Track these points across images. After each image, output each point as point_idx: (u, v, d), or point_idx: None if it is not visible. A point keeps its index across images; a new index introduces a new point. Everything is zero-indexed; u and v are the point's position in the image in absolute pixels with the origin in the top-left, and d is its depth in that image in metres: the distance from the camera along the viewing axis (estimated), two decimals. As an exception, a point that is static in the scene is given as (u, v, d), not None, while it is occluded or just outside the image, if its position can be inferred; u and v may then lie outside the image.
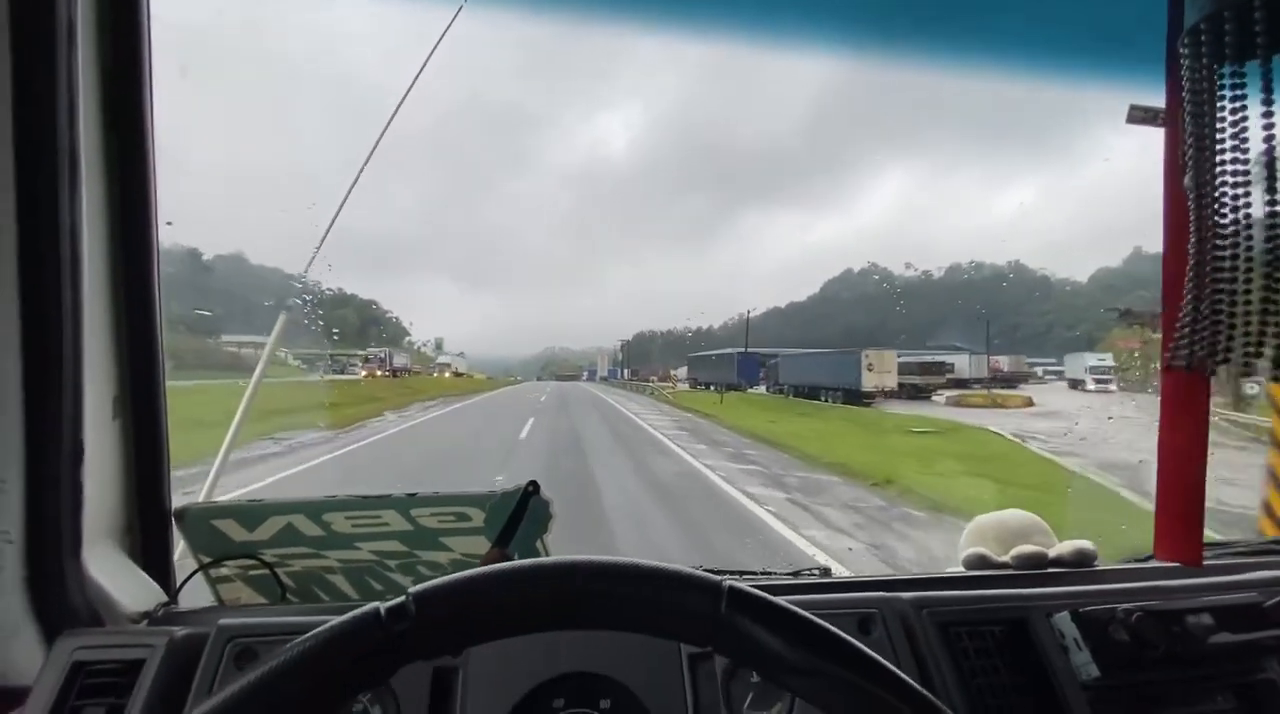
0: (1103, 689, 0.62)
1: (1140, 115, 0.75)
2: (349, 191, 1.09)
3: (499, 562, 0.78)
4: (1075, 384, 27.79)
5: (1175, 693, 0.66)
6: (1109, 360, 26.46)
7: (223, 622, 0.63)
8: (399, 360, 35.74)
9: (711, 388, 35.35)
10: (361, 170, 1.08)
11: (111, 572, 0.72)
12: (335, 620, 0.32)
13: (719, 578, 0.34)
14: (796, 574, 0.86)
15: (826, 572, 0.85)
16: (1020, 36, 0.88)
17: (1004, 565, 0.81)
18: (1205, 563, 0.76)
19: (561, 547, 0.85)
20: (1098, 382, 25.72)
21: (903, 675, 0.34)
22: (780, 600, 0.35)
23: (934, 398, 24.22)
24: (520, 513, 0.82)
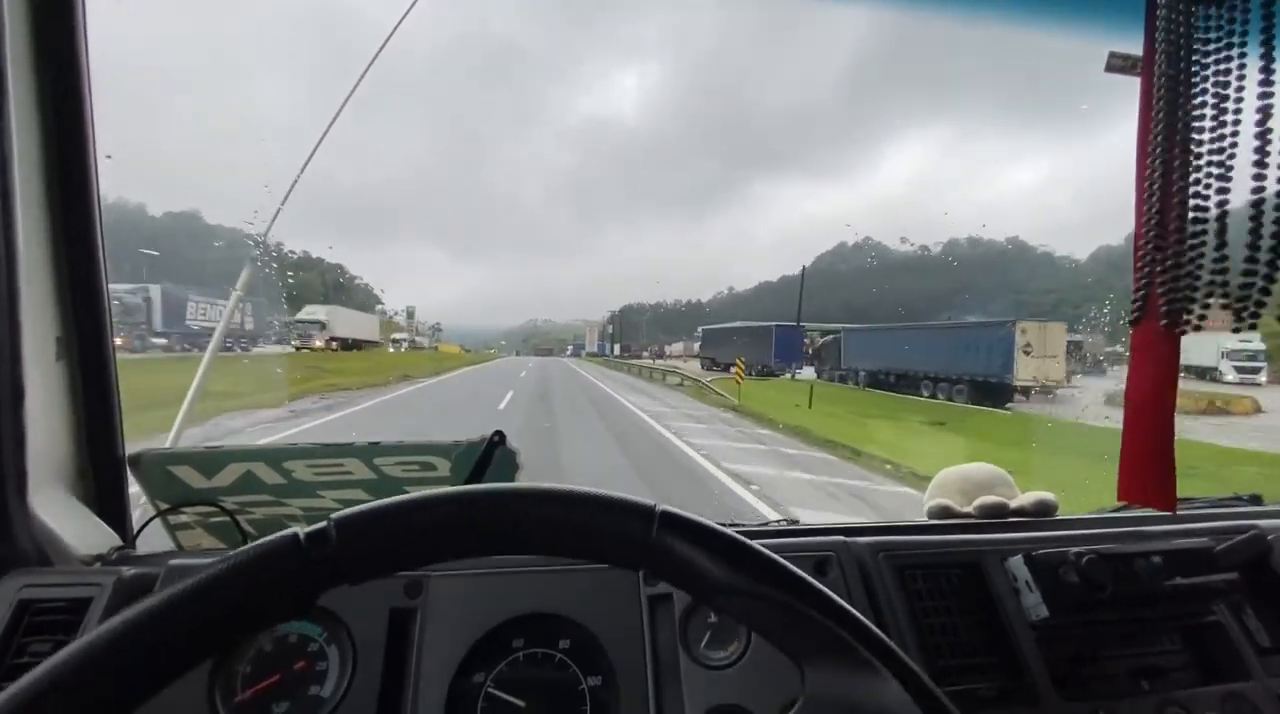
0: (1051, 628, 0.67)
1: (1119, 63, 0.76)
2: (318, 143, 1.08)
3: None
4: (1202, 374, 20.92)
5: (1123, 633, 0.71)
6: (1255, 342, 19.56)
7: (173, 562, 0.65)
8: (342, 330, 30.02)
9: (729, 370, 25.45)
10: (334, 120, 1.07)
11: (62, 515, 0.73)
12: (252, 544, 0.32)
13: (651, 502, 0.35)
14: (764, 524, 0.90)
15: (794, 522, 0.89)
16: None
17: (966, 516, 0.86)
18: (1157, 513, 0.81)
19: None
20: (1242, 372, 19.94)
21: (826, 591, 0.36)
22: (710, 522, 0.36)
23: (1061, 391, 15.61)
24: (486, 462, 0.84)
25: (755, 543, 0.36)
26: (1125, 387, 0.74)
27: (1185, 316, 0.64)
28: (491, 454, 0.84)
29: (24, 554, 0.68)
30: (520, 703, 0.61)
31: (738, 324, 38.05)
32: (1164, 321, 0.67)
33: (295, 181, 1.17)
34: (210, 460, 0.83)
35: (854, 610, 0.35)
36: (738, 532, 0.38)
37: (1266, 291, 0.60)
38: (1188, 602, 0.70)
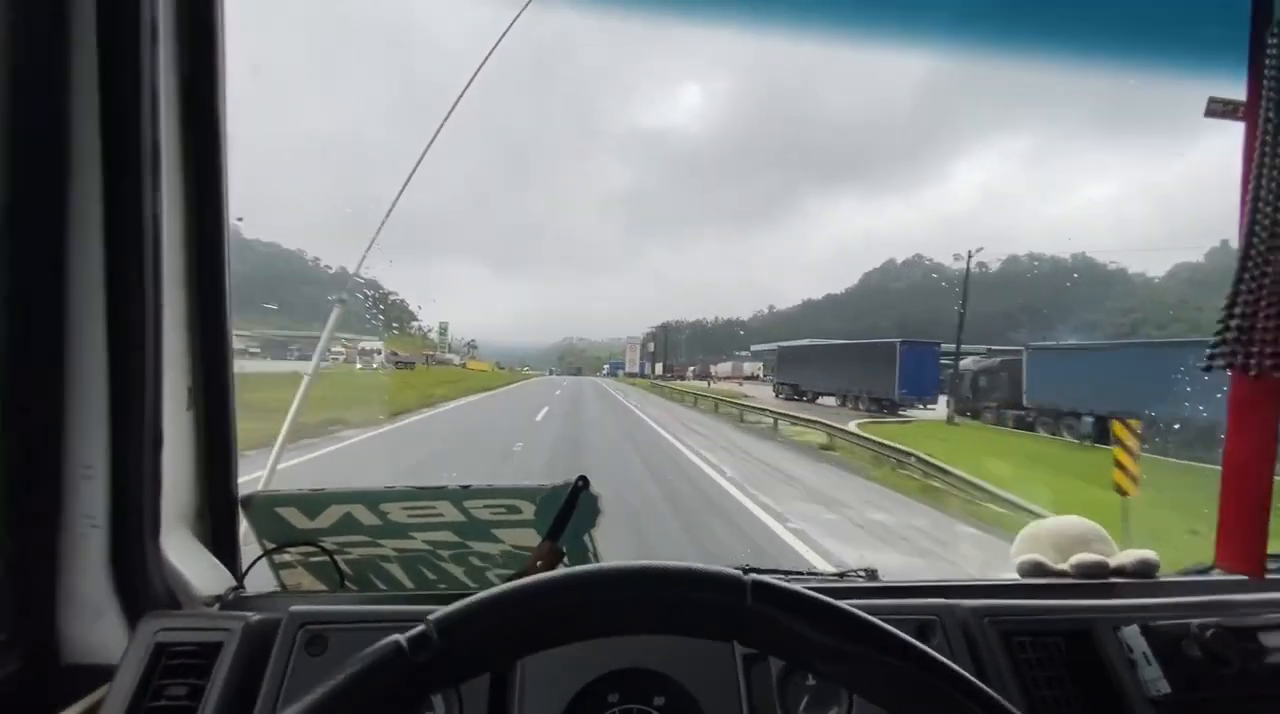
0: (1173, 705, 0.65)
1: (1219, 108, 0.78)
2: (408, 178, 1.18)
3: (550, 555, 0.87)
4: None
5: (1249, 711, 0.69)
6: None
7: (294, 608, 0.70)
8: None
9: (813, 399, 23.83)
10: (422, 156, 1.17)
11: (186, 556, 0.80)
12: (358, 656, 0.34)
13: (740, 572, 0.37)
14: (841, 575, 0.91)
15: (872, 574, 0.90)
16: (1100, 24, 0.92)
17: (1062, 574, 0.85)
18: (1268, 576, 0.79)
19: (608, 538, 0.92)
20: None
21: (934, 654, 0.36)
22: (801, 588, 0.37)
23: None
24: (570, 507, 0.90)
25: (850, 604, 0.37)
26: (1224, 444, 0.74)
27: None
28: (575, 500, 0.90)
29: (156, 596, 0.75)
30: None
31: (837, 342, 29.84)
32: (1267, 374, 0.67)
33: (386, 216, 1.27)
34: (313, 502, 0.91)
35: (966, 673, 0.36)
36: (823, 588, 0.40)
37: None
38: None
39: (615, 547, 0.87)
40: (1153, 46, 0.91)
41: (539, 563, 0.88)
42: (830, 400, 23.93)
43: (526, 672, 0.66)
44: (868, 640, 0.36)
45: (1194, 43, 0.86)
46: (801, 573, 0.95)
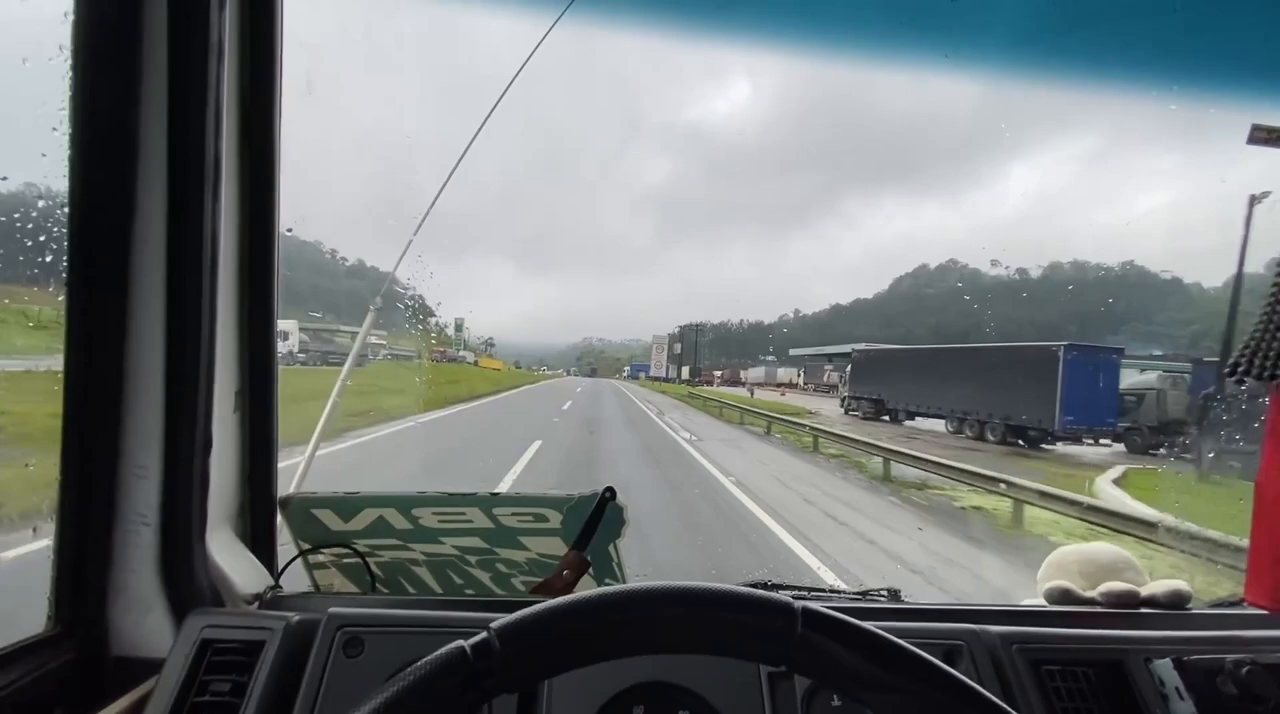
0: None
1: (1263, 136, 0.79)
2: (442, 187, 1.23)
3: (576, 565, 0.92)
4: None
5: None
6: None
7: (332, 610, 0.73)
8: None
9: (893, 419, 18.36)
10: (464, 155, 1.22)
11: (229, 555, 0.86)
12: (423, 661, 0.35)
13: (792, 599, 0.38)
14: (864, 594, 0.94)
15: (895, 594, 0.92)
16: (1151, 47, 0.94)
17: (1091, 601, 0.86)
18: None
19: (632, 549, 0.96)
20: None
21: (980, 689, 0.38)
22: (852, 619, 0.39)
23: None
24: (597, 518, 0.94)
25: (876, 625, 0.40)
26: (1258, 474, 0.74)
27: None
28: (602, 510, 0.94)
29: (201, 593, 0.80)
30: None
31: (951, 346, 20.31)
32: None
33: (425, 215, 1.32)
34: (348, 505, 0.97)
35: (1003, 704, 0.38)
36: (849, 608, 0.41)
37: None
38: None
39: (635, 559, 0.90)
40: (1196, 70, 0.92)
41: (565, 571, 0.93)
42: (929, 424, 17.65)
43: (553, 683, 0.69)
44: (913, 673, 0.38)
45: (1241, 69, 0.87)
46: (824, 590, 0.97)
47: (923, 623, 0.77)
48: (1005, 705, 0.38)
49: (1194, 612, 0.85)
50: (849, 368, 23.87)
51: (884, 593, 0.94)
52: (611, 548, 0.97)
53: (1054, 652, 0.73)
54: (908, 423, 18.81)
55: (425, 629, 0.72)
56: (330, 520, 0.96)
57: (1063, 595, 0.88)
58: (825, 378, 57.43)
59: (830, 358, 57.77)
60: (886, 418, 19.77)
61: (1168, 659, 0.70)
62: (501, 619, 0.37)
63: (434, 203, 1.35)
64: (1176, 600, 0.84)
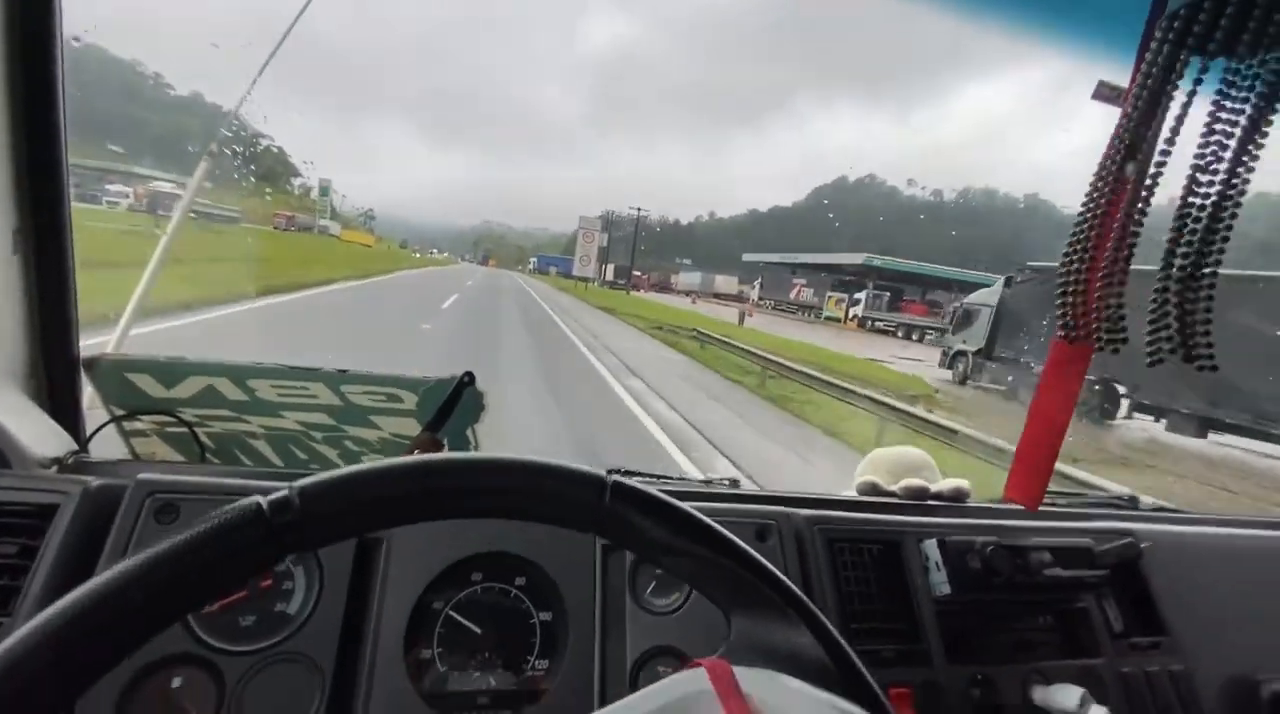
0: (950, 603, 0.87)
1: (1106, 93, 0.88)
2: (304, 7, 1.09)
3: (430, 446, 0.96)
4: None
5: (1008, 611, 0.92)
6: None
7: (142, 476, 0.71)
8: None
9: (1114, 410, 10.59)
10: None
11: (16, 414, 0.81)
12: (215, 513, 0.36)
13: (605, 473, 0.43)
14: (708, 482, 1.07)
15: (735, 483, 1.07)
16: None
17: (891, 494, 1.06)
18: (1046, 508, 1.02)
19: (492, 435, 1.01)
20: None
21: (754, 554, 0.45)
22: (657, 492, 0.44)
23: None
24: (454, 401, 0.97)
25: (699, 506, 0.47)
26: (1034, 399, 0.92)
27: (1102, 340, 0.80)
28: (460, 395, 0.97)
29: None
30: (476, 629, 0.75)
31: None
32: (1080, 341, 0.84)
33: (283, 38, 1.19)
34: (170, 371, 0.93)
35: (776, 570, 0.45)
36: (681, 491, 0.49)
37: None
38: (1065, 590, 0.92)
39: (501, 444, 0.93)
40: (1059, 24, 0.98)
41: (416, 451, 0.97)
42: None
43: (391, 550, 0.75)
44: (705, 541, 0.44)
45: (1093, 23, 0.94)
46: (671, 477, 1.10)
47: (747, 505, 0.90)
48: (770, 565, 0.46)
49: (969, 505, 1.06)
50: (1000, 296, 13.71)
51: (725, 481, 1.09)
52: (470, 432, 1.02)
53: (847, 532, 0.90)
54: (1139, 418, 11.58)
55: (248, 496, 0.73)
56: (149, 386, 0.92)
57: (870, 489, 1.07)
58: (795, 294, 48.78)
59: (795, 269, 49.71)
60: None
61: (934, 539, 0.89)
62: (306, 479, 0.38)
63: (296, 20, 1.20)
64: (958, 496, 1.05)
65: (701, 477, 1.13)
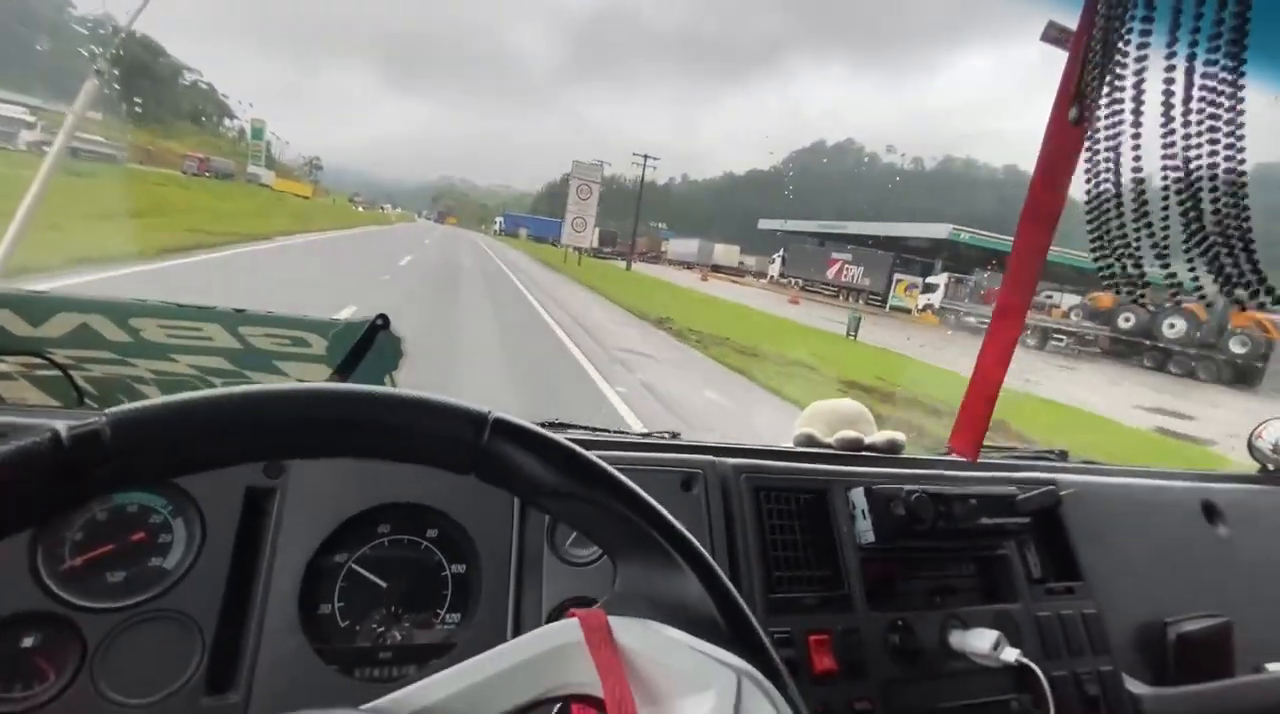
0: (874, 551, 0.89)
1: (1055, 34, 0.87)
2: None
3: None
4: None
5: (930, 558, 0.95)
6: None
7: None
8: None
9: None
10: None
11: None
12: (7, 445, 0.32)
13: (484, 409, 0.39)
14: (648, 435, 1.07)
15: (675, 435, 1.06)
16: None
17: (827, 446, 1.07)
18: (984, 460, 1.05)
19: (414, 383, 0.96)
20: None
21: (640, 492, 0.43)
22: (541, 430, 0.41)
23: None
24: (365, 346, 0.94)
25: (625, 455, 0.45)
26: (978, 354, 0.93)
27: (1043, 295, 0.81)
28: (373, 338, 0.93)
29: None
30: (382, 583, 0.73)
31: None
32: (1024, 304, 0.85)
33: None
34: (36, 306, 0.86)
35: (664, 511, 0.43)
36: (611, 441, 0.45)
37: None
38: (987, 537, 0.95)
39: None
40: None
41: None
42: None
43: (286, 497, 0.71)
44: (588, 479, 0.42)
45: None
46: (610, 431, 1.09)
47: (676, 455, 0.90)
48: (657, 505, 0.44)
49: (902, 456, 1.08)
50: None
51: (666, 434, 1.08)
52: (387, 379, 0.98)
53: (774, 480, 0.90)
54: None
55: None
56: (11, 323, 0.86)
57: (806, 440, 1.08)
58: (836, 273, 36.35)
59: (823, 241, 39.56)
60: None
61: (860, 488, 0.91)
62: (122, 407, 0.33)
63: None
64: (892, 447, 1.06)
65: (642, 429, 1.12)
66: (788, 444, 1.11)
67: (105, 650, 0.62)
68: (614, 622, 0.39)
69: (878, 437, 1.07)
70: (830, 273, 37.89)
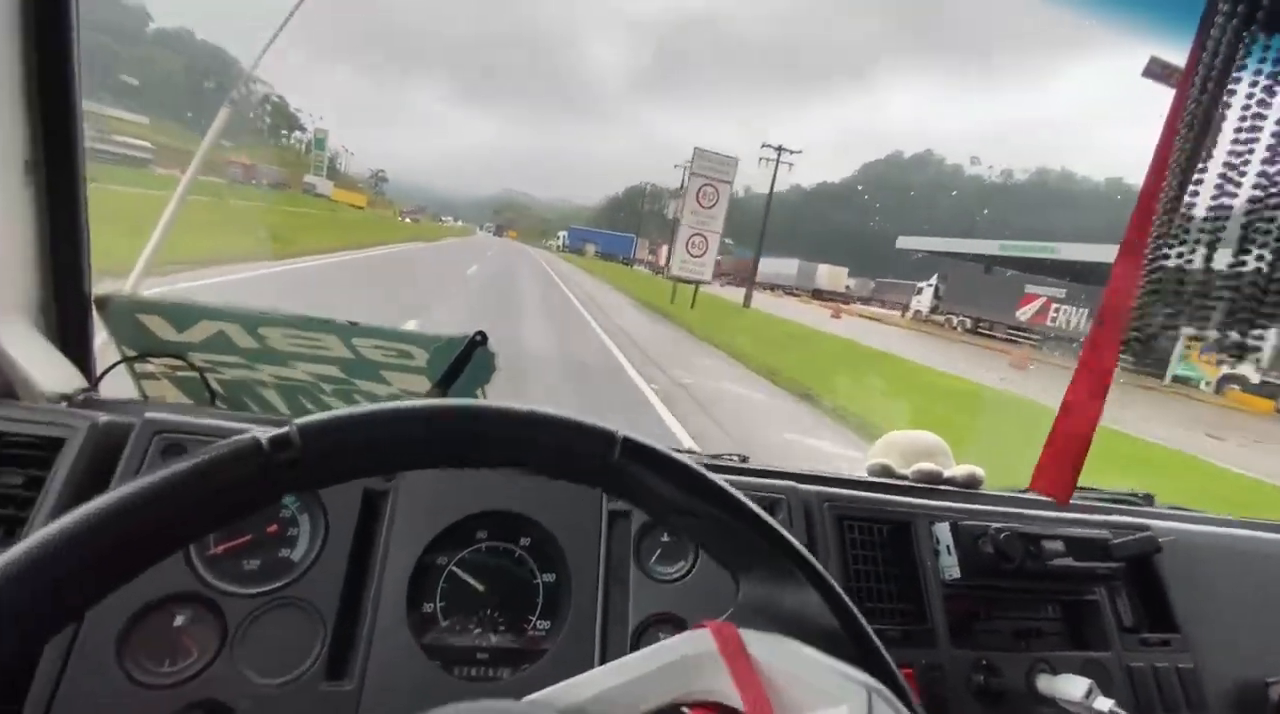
0: (959, 587, 0.90)
1: (1158, 70, 0.88)
2: None
3: (435, 401, 1.00)
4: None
5: (1015, 599, 0.96)
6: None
7: (149, 415, 0.75)
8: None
9: None
10: None
11: (26, 347, 0.84)
12: (212, 446, 0.36)
13: (614, 427, 0.43)
14: (717, 457, 1.11)
15: (744, 459, 1.10)
16: None
17: (903, 477, 1.09)
18: (1074, 501, 1.04)
19: (501, 396, 1.03)
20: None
21: (762, 513, 0.46)
22: (667, 450, 0.45)
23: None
24: (465, 360, 1.02)
25: (691, 462, 0.47)
26: (1067, 388, 0.94)
27: (1141, 336, 0.81)
28: (471, 354, 1.02)
29: None
30: (480, 587, 0.79)
31: None
32: (1118, 336, 0.85)
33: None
34: (182, 313, 0.99)
35: (784, 530, 0.46)
36: (692, 460, 0.49)
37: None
38: (1075, 581, 0.95)
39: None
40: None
41: None
42: None
43: (398, 502, 0.78)
44: (716, 500, 0.45)
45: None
46: (682, 449, 1.15)
47: (756, 479, 0.94)
48: (778, 525, 0.48)
49: (983, 492, 1.09)
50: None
51: (735, 457, 1.13)
52: (480, 392, 1.07)
53: (857, 510, 0.93)
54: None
55: None
56: (161, 329, 0.99)
57: (881, 470, 1.10)
58: (1032, 315, 27.18)
59: (988, 266, 31.32)
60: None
61: (946, 522, 0.92)
62: (309, 416, 0.38)
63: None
64: (971, 481, 1.08)
65: (713, 454, 1.17)
66: (861, 474, 1.13)
67: (244, 632, 0.69)
68: (745, 634, 0.41)
69: (957, 470, 1.08)
70: (1024, 313, 28.45)
